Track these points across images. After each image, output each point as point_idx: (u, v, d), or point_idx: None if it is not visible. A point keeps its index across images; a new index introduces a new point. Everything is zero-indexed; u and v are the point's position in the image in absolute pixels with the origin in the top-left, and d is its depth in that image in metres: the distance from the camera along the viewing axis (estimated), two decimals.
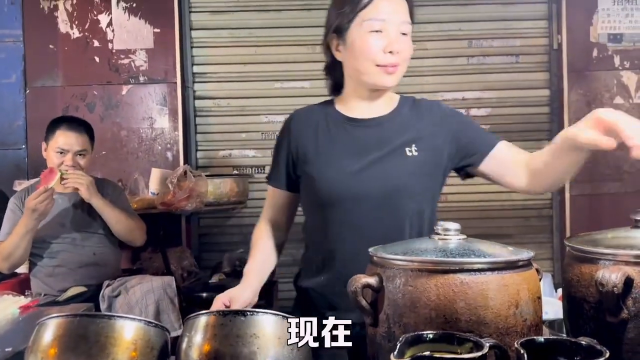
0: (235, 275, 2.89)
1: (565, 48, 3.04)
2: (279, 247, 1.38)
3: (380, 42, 1.18)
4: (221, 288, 2.60)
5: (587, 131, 0.98)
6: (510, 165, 1.26)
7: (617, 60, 3.08)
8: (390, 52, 1.18)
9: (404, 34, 1.20)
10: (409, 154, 1.24)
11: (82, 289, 2.23)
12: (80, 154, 2.24)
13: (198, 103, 3.18)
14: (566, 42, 3.04)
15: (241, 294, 1.22)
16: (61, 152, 2.21)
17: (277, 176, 1.35)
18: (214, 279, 2.85)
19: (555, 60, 3.11)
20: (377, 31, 1.18)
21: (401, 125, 1.27)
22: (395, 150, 1.24)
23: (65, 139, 2.21)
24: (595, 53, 3.08)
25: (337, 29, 1.24)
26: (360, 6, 1.19)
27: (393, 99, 1.32)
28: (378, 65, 1.19)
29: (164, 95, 3.08)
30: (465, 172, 1.31)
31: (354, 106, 1.29)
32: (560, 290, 1.98)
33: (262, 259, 1.33)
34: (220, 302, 1.19)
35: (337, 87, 1.35)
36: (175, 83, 3.06)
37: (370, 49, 1.18)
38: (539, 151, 1.23)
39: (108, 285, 2.23)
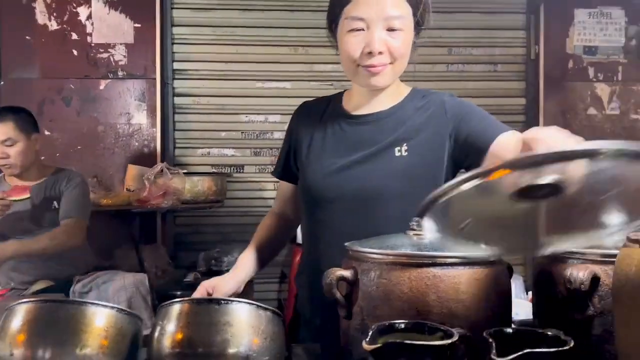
0: (210, 275, 2.87)
1: (542, 58, 3.12)
2: (283, 239, 1.36)
3: (361, 42, 1.09)
4: (195, 287, 2.59)
5: None
6: None
7: (591, 72, 3.17)
8: (370, 52, 1.09)
9: (392, 29, 1.09)
10: (397, 154, 1.14)
11: (49, 282, 2.20)
12: (5, 144, 2.19)
13: (177, 100, 3.16)
14: (543, 53, 3.12)
15: (225, 284, 1.19)
16: None
17: (278, 167, 1.33)
18: (189, 278, 2.82)
19: (532, 70, 3.18)
20: (358, 30, 1.09)
21: (398, 122, 1.17)
22: (383, 149, 1.15)
23: None
24: (570, 64, 3.16)
25: (330, 26, 1.17)
26: (344, 2, 1.11)
27: (400, 92, 1.21)
28: (361, 66, 1.12)
29: (143, 91, 3.05)
30: None
31: (356, 101, 1.22)
32: (531, 293, 2.01)
33: (256, 250, 1.29)
34: (203, 288, 1.16)
35: None
36: (155, 79, 3.03)
37: (349, 50, 1.11)
38: None
39: (79, 281, 2.20)
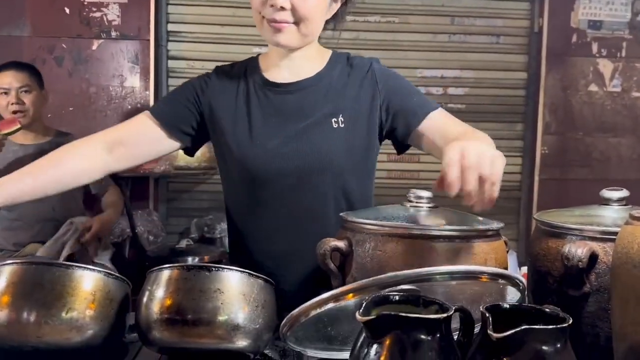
0: (203, 241, 2.87)
1: (546, 32, 3.05)
2: (91, 176, 1.13)
3: None
4: (188, 253, 2.59)
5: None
6: (437, 142, 1.08)
7: (595, 47, 3.11)
8: (272, 5, 1.02)
9: None
10: (334, 125, 1.10)
11: (40, 246, 2.18)
12: (23, 91, 2.23)
13: (171, 63, 3.09)
14: (547, 26, 3.05)
15: None
16: (5, 93, 2.20)
17: (161, 108, 1.17)
18: (181, 244, 2.82)
19: (535, 43, 3.12)
20: None
21: (328, 90, 1.12)
22: (320, 121, 1.10)
23: (4, 78, 2.21)
24: (574, 38, 3.10)
25: None
26: None
27: (322, 57, 1.16)
28: (265, 19, 1.04)
29: (136, 53, 2.98)
30: (398, 144, 1.17)
31: (275, 66, 1.14)
32: (524, 268, 2.03)
33: (47, 172, 1.08)
34: None
35: None
36: (149, 40, 2.95)
37: (253, 0, 1.04)
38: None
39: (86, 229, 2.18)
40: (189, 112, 1.16)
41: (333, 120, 1.11)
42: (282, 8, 1.02)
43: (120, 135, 1.15)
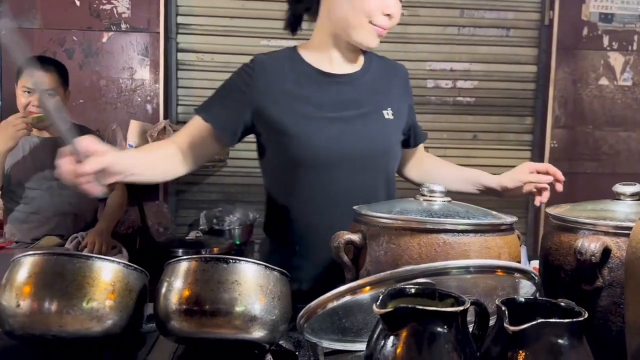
0: (212, 233, 2.89)
1: (556, 24, 3.03)
2: (168, 172, 1.20)
3: (382, 1, 1.13)
4: (197, 245, 2.62)
5: (524, 175, 1.27)
6: (415, 158, 1.38)
7: (606, 40, 3.08)
8: (388, 14, 1.14)
9: None
10: (386, 116, 1.22)
11: (56, 240, 2.20)
12: (48, 94, 2.17)
13: (181, 56, 3.09)
14: (557, 19, 3.03)
15: (119, 160, 1.01)
16: (28, 92, 2.15)
17: (216, 113, 1.20)
18: (191, 236, 2.84)
19: (545, 36, 3.10)
20: None
21: (374, 84, 1.24)
22: (374, 111, 1.21)
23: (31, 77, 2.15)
24: (585, 32, 3.07)
25: None
26: None
27: (359, 52, 1.25)
28: (371, 23, 1.14)
29: (146, 46, 2.98)
30: None
31: (325, 59, 1.21)
32: (533, 262, 2.03)
33: (152, 155, 1.17)
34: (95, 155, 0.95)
35: (296, 23, 1.25)
36: (158, 33, 2.95)
37: (370, 5, 1.12)
38: (440, 162, 1.40)
39: (83, 248, 2.19)
40: (240, 112, 1.19)
41: (384, 112, 1.22)
42: (392, 17, 1.15)
43: (186, 139, 1.21)
